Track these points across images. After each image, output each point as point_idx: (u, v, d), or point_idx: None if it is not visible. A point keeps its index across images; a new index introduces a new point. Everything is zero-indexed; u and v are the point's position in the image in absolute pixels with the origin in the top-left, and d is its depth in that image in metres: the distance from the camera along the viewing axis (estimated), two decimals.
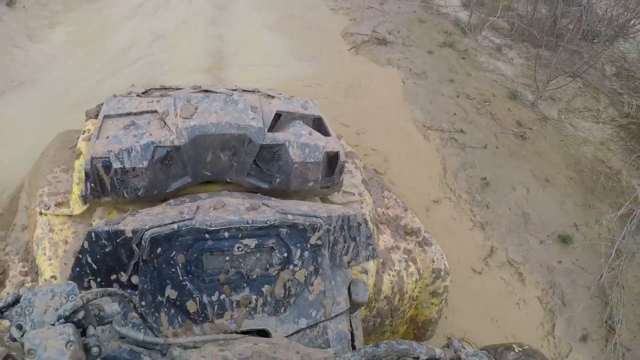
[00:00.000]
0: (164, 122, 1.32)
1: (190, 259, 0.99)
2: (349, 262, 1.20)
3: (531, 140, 3.86)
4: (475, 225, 3.16)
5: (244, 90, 1.75)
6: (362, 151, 3.39)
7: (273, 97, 1.64)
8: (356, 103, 3.84)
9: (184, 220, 0.99)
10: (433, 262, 1.68)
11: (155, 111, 1.37)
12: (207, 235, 0.99)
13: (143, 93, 1.68)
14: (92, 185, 1.27)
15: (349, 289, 1.18)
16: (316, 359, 0.87)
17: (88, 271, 1.01)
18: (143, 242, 0.97)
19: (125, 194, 1.27)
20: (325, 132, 1.49)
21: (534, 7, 5.11)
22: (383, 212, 1.83)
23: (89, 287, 1.01)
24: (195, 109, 1.34)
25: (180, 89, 1.72)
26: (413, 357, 0.90)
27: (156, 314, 0.99)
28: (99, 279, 1.01)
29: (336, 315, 1.11)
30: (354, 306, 1.19)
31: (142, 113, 1.37)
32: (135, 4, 5.07)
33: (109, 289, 0.79)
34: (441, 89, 4.15)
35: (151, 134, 1.27)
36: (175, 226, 0.98)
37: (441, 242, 1.91)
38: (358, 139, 3.48)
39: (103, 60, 4.19)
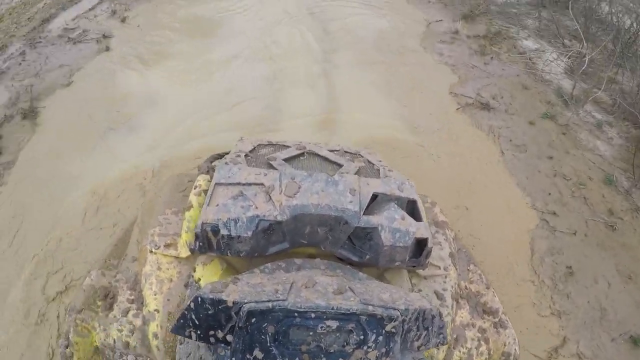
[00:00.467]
0: (269, 196, 1.47)
1: (279, 330, 1.15)
2: (419, 347, 1.29)
3: (620, 231, 3.99)
4: (554, 313, 3.35)
5: (345, 152, 1.90)
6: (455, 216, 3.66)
7: (374, 168, 1.78)
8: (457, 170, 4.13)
9: (278, 300, 1.16)
10: (504, 345, 1.71)
11: (262, 184, 1.52)
12: (296, 314, 1.15)
13: (250, 152, 1.82)
14: (201, 244, 1.46)
15: None
16: None
17: (190, 324, 1.20)
18: (241, 313, 1.14)
19: (228, 254, 1.46)
20: (417, 216, 1.60)
21: (638, 83, 5.08)
22: (466, 287, 1.87)
23: (190, 336, 1.20)
24: (299, 187, 1.47)
25: (287, 146, 1.88)
26: None
27: None
28: (198, 332, 1.20)
29: None
30: None
31: (250, 184, 1.52)
32: (246, 45, 5.49)
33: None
34: (539, 165, 4.34)
35: (257, 207, 1.43)
36: (270, 304, 1.15)
37: (516, 324, 2.05)
38: (457, 212, 3.76)
39: (213, 97, 4.63)
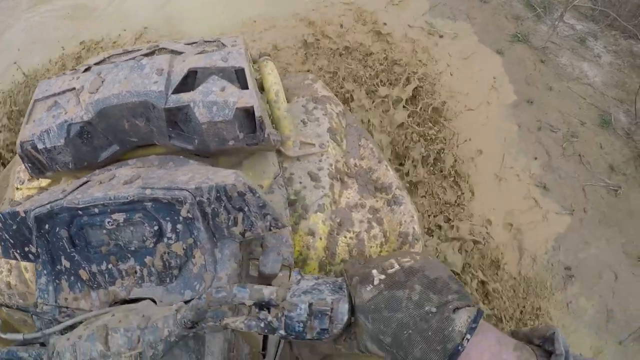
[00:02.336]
0: (78, 98, 1.37)
1: (73, 233, 1.09)
2: (242, 234, 1.13)
3: (625, 195, 3.03)
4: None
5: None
6: None
7: (200, 52, 1.52)
8: None
9: (56, 200, 1.08)
10: (400, 224, 1.51)
11: (74, 88, 1.40)
12: (80, 212, 1.07)
13: (98, 63, 1.60)
14: (30, 164, 1.39)
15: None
16: (155, 318, 0.93)
17: (9, 244, 1.15)
18: (30, 221, 1.09)
19: (59, 169, 1.37)
20: (245, 86, 1.38)
21: None
22: (355, 164, 1.64)
23: (15, 257, 1.15)
24: (102, 81, 1.36)
25: (139, 49, 1.63)
26: (241, 304, 0.89)
27: (57, 280, 1.10)
28: (18, 250, 1.15)
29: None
30: (262, 278, 1.18)
31: (64, 92, 1.41)
32: None
33: None
34: (519, 117, 3.17)
35: (67, 113, 1.34)
36: (49, 206, 1.07)
37: None
38: None
39: None
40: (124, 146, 1.39)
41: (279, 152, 1.52)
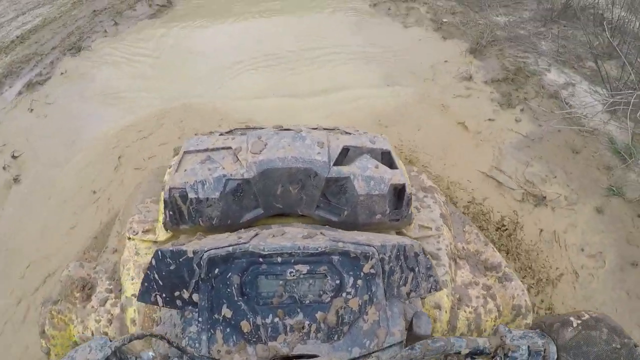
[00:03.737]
0: (237, 157, 1.42)
1: (245, 280, 1.05)
2: (408, 294, 1.14)
3: None
4: None
5: (324, 129, 1.71)
6: None
7: (346, 133, 1.64)
8: None
9: (239, 244, 1.06)
10: (513, 298, 1.58)
11: (230, 147, 1.45)
12: (260, 259, 1.05)
13: (226, 132, 1.67)
14: (171, 213, 1.41)
15: (411, 322, 1.16)
16: None
17: (155, 286, 1.09)
18: (202, 262, 1.06)
19: (200, 222, 1.39)
20: (393, 166, 1.48)
21: None
22: (463, 247, 1.76)
23: (156, 302, 1.09)
24: (265, 144, 1.42)
25: (263, 127, 1.71)
26: (456, 353, 0.91)
27: (211, 330, 1.04)
28: (164, 295, 1.08)
29: (390, 346, 1.06)
30: (414, 339, 1.15)
31: (218, 149, 1.47)
32: None
33: (137, 333, 0.92)
34: (626, 281, 3.20)
35: (224, 168, 1.39)
36: (230, 248, 1.05)
37: None
38: None
39: None
40: (268, 211, 1.41)
41: (400, 234, 1.59)
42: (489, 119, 4.26)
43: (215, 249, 1.05)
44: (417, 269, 1.15)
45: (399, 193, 1.45)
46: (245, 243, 1.06)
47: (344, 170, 1.39)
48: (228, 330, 1.05)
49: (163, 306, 1.11)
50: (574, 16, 5.95)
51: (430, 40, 5.45)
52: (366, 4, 6.33)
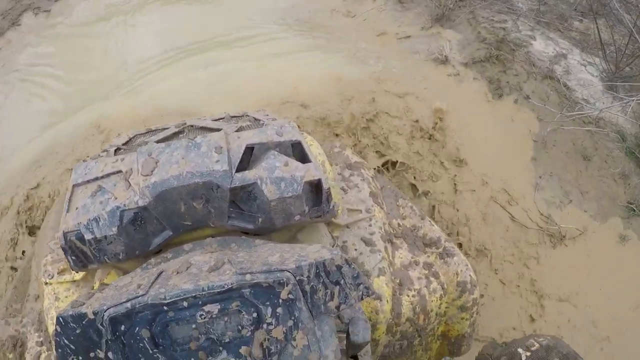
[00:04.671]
0: (128, 182, 1.29)
1: (155, 332, 1.00)
2: (337, 307, 1.09)
3: None
4: None
5: (232, 117, 1.57)
6: None
7: (259, 124, 1.48)
8: None
9: (137, 297, 1.00)
10: (457, 274, 1.52)
11: (120, 171, 1.34)
12: (165, 308, 0.99)
13: (124, 144, 1.53)
14: (74, 257, 1.29)
15: (348, 331, 1.14)
16: None
17: (69, 351, 1.04)
18: (104, 323, 1.00)
19: (107, 260, 1.28)
20: (305, 159, 1.38)
21: None
22: (399, 224, 1.67)
23: None
24: (156, 162, 1.29)
25: (166, 128, 1.55)
26: None
27: None
28: (80, 357, 1.03)
29: None
30: (355, 347, 1.13)
31: (108, 175, 1.35)
32: None
33: None
34: None
35: (117, 198, 1.26)
36: (129, 304, 0.99)
37: None
38: None
39: None
40: (177, 231, 1.32)
41: (330, 224, 1.51)
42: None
43: (115, 306, 0.99)
44: (342, 281, 1.08)
45: (316, 188, 1.34)
46: (144, 295, 0.99)
47: (249, 175, 1.28)
48: None
49: None
50: None
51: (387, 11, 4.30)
52: None
